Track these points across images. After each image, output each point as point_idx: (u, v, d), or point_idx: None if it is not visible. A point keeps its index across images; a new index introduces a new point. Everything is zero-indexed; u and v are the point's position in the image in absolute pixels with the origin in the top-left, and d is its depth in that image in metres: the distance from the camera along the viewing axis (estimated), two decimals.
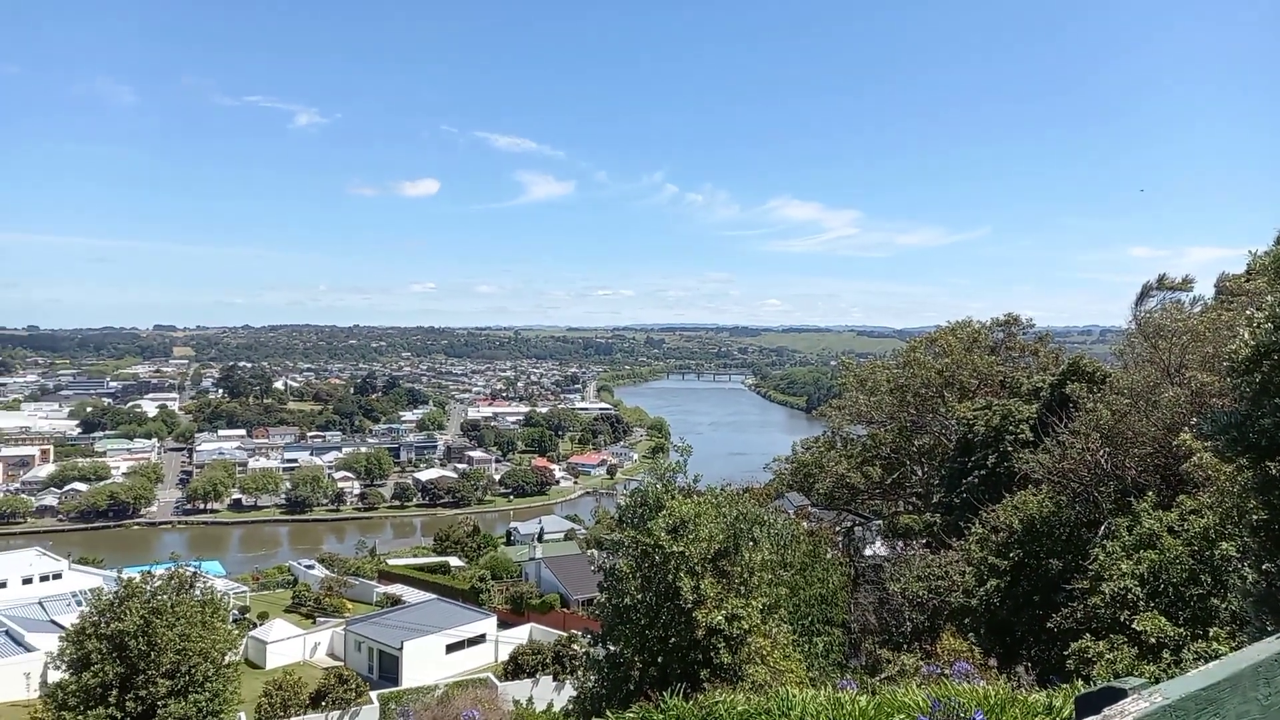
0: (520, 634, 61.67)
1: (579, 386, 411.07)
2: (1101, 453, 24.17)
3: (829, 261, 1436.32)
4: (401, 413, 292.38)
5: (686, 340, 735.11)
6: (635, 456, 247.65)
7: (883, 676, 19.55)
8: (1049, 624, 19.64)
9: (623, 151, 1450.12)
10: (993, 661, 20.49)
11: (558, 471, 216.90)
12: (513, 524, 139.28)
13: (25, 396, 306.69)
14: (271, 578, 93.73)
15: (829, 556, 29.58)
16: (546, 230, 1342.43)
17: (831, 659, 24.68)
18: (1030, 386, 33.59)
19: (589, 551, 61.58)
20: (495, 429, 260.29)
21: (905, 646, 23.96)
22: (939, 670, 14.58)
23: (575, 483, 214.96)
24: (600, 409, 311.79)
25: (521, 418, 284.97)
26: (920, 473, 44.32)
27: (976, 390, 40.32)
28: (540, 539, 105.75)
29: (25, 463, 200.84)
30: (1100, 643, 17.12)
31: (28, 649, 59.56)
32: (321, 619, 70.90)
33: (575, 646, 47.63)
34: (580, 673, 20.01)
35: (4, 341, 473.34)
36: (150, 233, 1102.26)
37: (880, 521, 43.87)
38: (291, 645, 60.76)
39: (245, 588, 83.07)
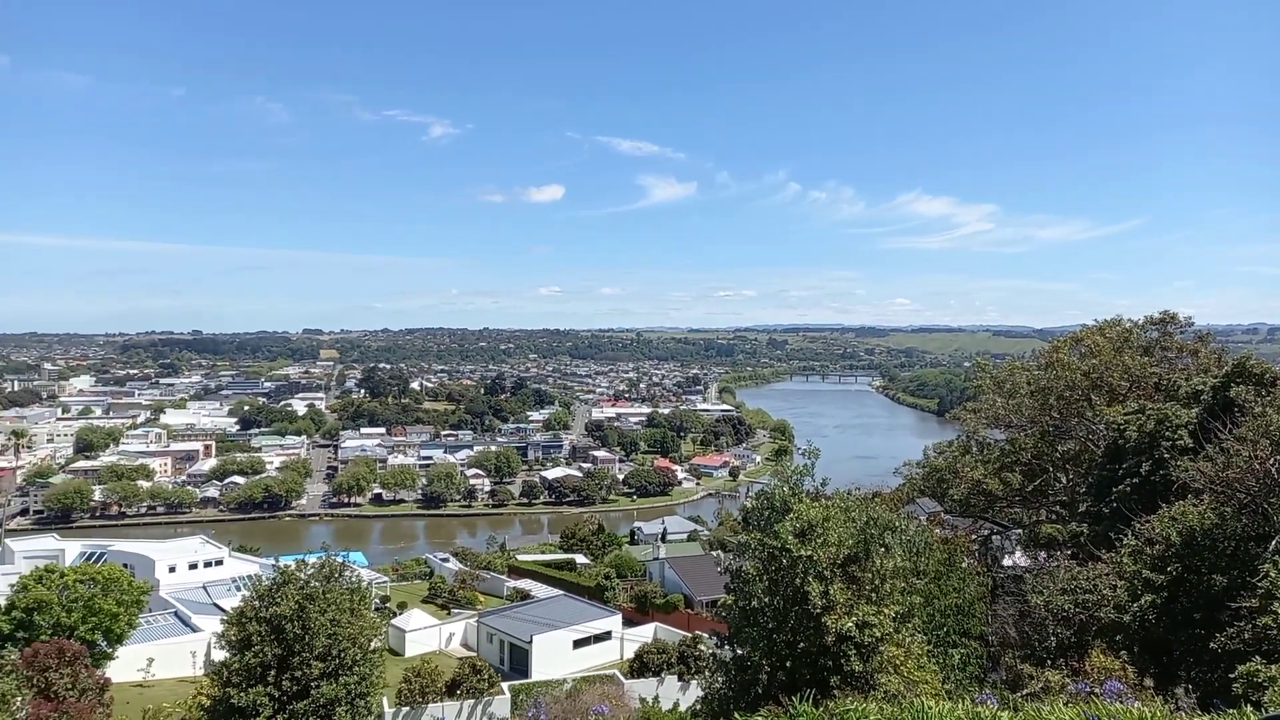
0: (645, 633, 62.21)
1: (700, 388, 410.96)
2: (1272, 461, 22.20)
3: (962, 258, 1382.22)
4: (529, 413, 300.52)
5: (810, 341, 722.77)
6: (758, 459, 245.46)
7: (1025, 693, 18.63)
8: (1212, 644, 18.19)
9: (744, 152, 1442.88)
10: (1148, 682, 19.17)
11: (680, 472, 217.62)
12: (636, 523, 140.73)
13: (190, 396, 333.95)
14: (409, 569, 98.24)
15: (965, 565, 28.41)
16: (668, 232, 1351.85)
17: (968, 672, 23.70)
18: (1189, 390, 31.19)
19: (714, 553, 61.47)
20: (618, 429, 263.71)
21: (1049, 663, 22.74)
22: (1088, 689, 13.78)
23: (697, 484, 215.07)
24: (722, 411, 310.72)
25: (644, 419, 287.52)
26: (1064, 480, 41.87)
27: (1127, 393, 37.77)
28: (663, 539, 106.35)
29: (191, 457, 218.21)
30: (1272, 667, 15.73)
31: (194, 629, 64.58)
32: (455, 610, 73.71)
33: (701, 647, 47.65)
34: (707, 674, 20.01)
35: (172, 345, 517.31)
36: (300, 242, 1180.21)
37: (1020, 531, 41.74)
38: (428, 635, 63.45)
39: (386, 578, 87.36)
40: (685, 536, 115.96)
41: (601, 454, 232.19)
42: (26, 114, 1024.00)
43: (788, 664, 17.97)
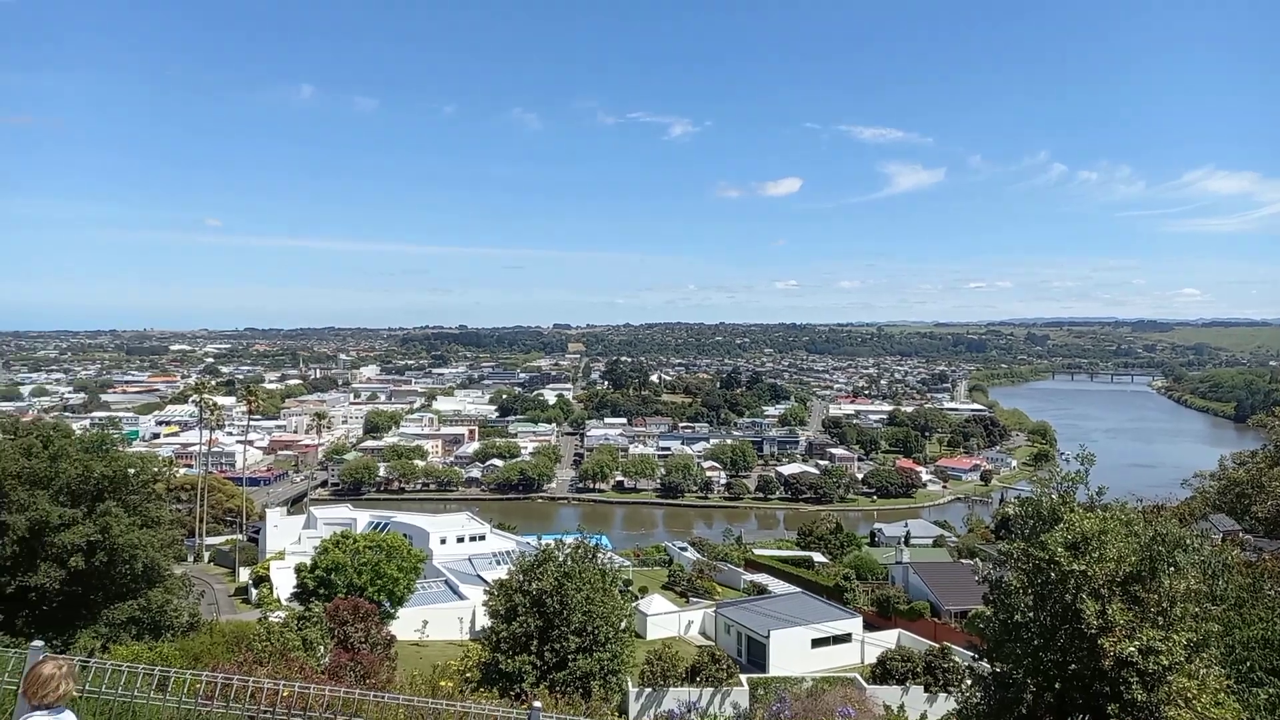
0: (887, 638, 60.02)
1: (948, 386, 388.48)
2: None
3: (1266, 242, 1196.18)
4: (764, 407, 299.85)
5: (1075, 336, 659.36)
6: (1013, 463, 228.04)
7: None
8: None
9: (999, 133, 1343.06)
10: None
11: (924, 474, 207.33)
12: (876, 524, 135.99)
13: (457, 384, 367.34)
14: (650, 555, 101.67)
15: (1273, 593, 24.64)
16: (912, 221, 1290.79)
17: (1278, 716, 20.56)
18: None
19: (975, 561, 57.90)
20: (857, 427, 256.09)
21: None
22: None
23: (944, 487, 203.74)
24: (972, 410, 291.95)
25: (884, 416, 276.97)
26: None
27: None
28: (907, 543, 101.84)
29: (458, 440, 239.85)
30: None
31: (461, 597, 70.95)
32: (694, 599, 75.31)
33: (955, 659, 45.18)
34: (964, 688, 18.91)
35: (442, 339, 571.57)
36: (551, 243, 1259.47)
37: None
38: (669, 620, 65.32)
39: (628, 562, 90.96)
40: (930, 542, 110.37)
41: (839, 451, 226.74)
42: (328, 136, 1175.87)
43: (1056, 685, 16.62)
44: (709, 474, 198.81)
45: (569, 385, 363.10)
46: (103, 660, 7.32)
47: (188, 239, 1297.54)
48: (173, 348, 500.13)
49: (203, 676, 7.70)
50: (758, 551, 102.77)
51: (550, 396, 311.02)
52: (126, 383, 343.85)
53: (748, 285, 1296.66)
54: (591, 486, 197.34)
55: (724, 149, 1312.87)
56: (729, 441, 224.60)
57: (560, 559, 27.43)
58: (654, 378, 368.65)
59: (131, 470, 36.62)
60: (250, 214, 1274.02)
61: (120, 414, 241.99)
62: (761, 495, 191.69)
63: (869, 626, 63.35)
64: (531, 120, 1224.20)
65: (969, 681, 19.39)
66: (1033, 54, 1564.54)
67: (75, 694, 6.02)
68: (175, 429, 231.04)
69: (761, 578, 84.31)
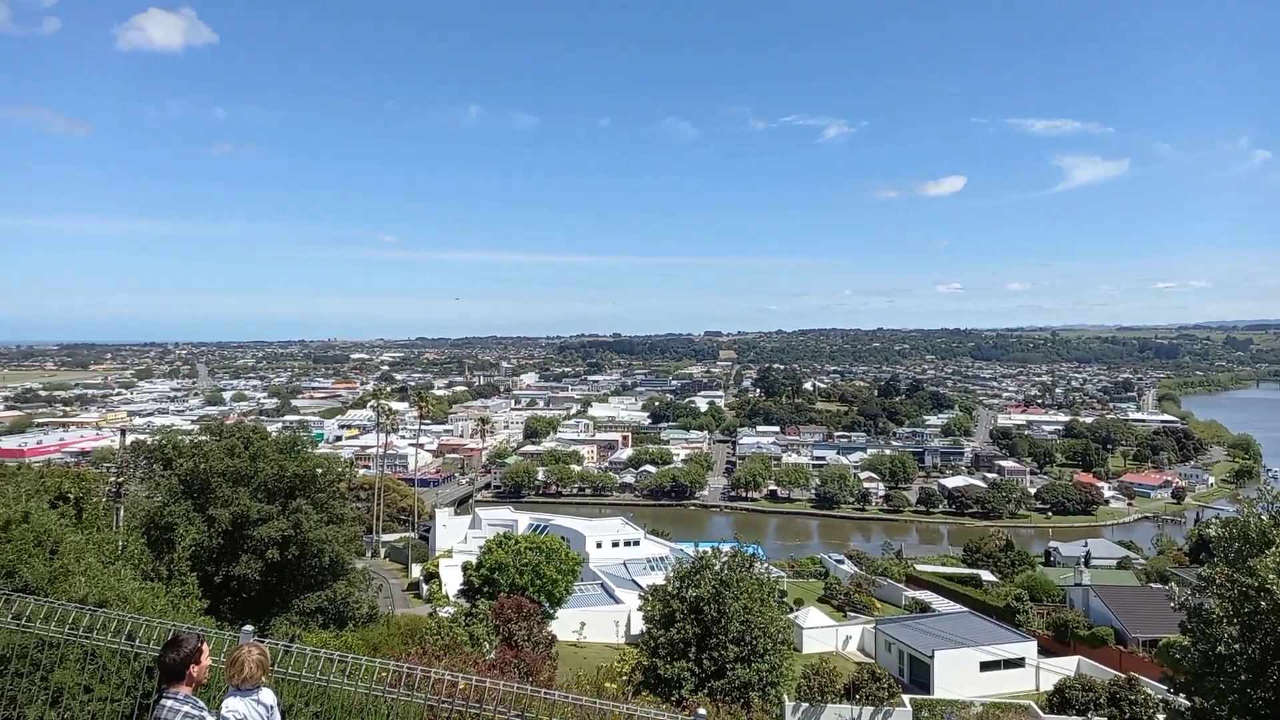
0: (1064, 665, 56.01)
1: (1133, 394, 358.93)
2: None
3: None
4: (925, 416, 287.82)
5: None
6: (1211, 480, 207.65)
7: None
8: None
9: (1191, 119, 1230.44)
10: None
11: (1106, 490, 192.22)
12: (1051, 543, 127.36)
13: (611, 391, 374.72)
14: (805, 567, 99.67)
15: None
16: (1090, 217, 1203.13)
17: None
18: None
19: (1169, 586, 53.29)
20: (1029, 438, 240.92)
21: None
22: None
23: (1129, 504, 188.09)
24: (1162, 421, 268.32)
25: (1060, 427, 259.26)
26: None
27: None
28: (1087, 563, 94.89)
29: (612, 446, 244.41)
30: None
31: (616, 601, 72.02)
32: (851, 614, 73.14)
33: (1148, 691, 41.56)
34: None
35: (597, 346, 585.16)
36: (702, 250, 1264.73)
37: None
38: (825, 634, 63.76)
39: (783, 573, 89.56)
40: (1114, 563, 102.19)
41: (1009, 464, 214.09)
42: (492, 153, 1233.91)
43: None
44: (866, 485, 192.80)
45: (720, 392, 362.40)
46: (303, 646, 7.90)
47: (365, 254, 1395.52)
48: (353, 356, 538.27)
49: (390, 665, 8.17)
50: (920, 567, 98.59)
51: (702, 404, 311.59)
52: (313, 389, 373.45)
53: (907, 289, 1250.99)
54: (744, 495, 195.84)
55: (881, 149, 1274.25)
56: (887, 452, 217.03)
57: (717, 567, 27.33)
58: (808, 385, 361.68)
59: (319, 470, 39.52)
60: (420, 230, 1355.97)
61: (308, 418, 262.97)
62: (923, 509, 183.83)
63: (1044, 652, 59.41)
64: (685, 129, 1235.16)
65: (1163, 717, 17.82)
66: (1230, 31, 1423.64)
67: (271, 676, 6.51)
68: (355, 432, 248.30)
69: (924, 595, 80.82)
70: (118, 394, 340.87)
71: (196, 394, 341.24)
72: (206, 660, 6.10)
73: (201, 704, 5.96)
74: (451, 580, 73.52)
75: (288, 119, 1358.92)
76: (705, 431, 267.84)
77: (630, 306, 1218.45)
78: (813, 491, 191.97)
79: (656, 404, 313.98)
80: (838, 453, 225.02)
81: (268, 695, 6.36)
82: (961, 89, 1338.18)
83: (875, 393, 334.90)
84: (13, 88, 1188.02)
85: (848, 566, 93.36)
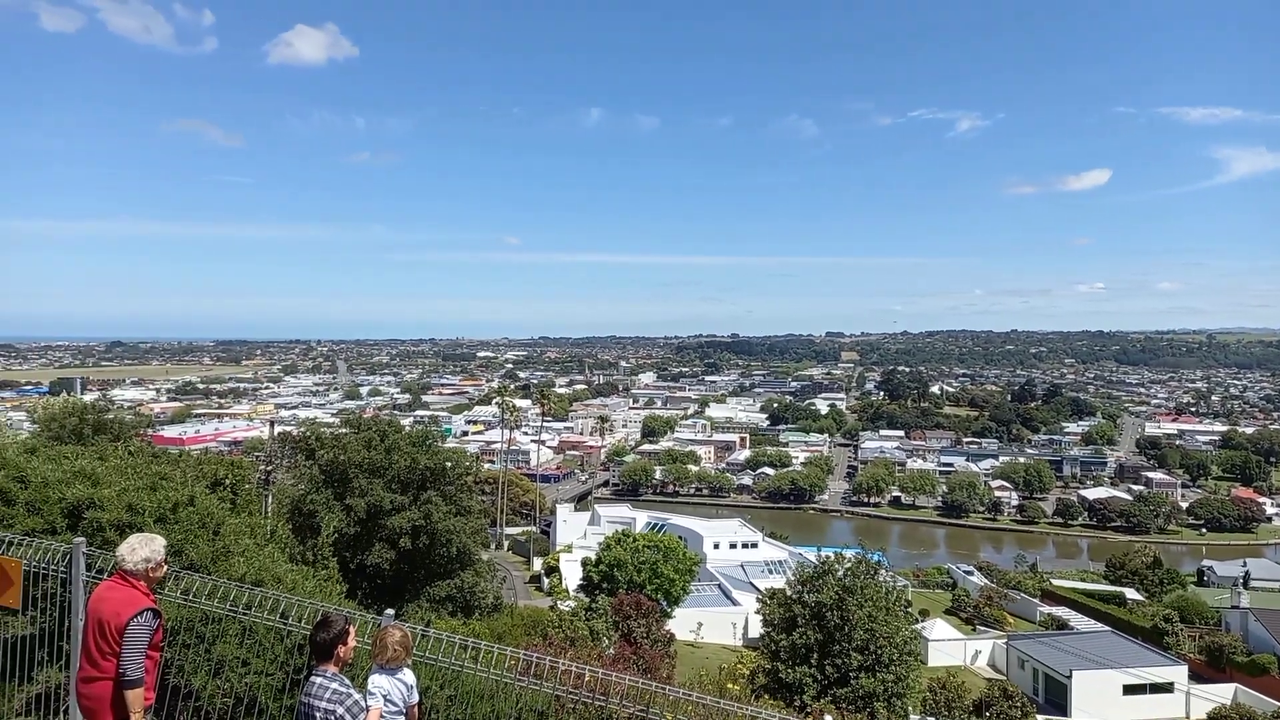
0: (1219, 692, 51.86)
1: None
2: None
3: None
4: (1063, 423, 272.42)
5: None
6: None
7: None
8: None
9: None
10: None
11: (1269, 507, 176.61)
12: (1205, 561, 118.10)
13: (729, 392, 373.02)
14: (931, 577, 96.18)
15: None
16: (1251, 212, 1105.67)
17: None
18: None
19: None
20: (1180, 449, 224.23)
21: None
22: None
23: None
24: None
25: (1216, 438, 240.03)
26: None
27: None
28: (1245, 585, 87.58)
29: (729, 447, 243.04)
30: None
31: (734, 603, 71.62)
32: (981, 628, 70.11)
33: None
34: None
35: (715, 347, 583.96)
36: (823, 249, 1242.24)
37: None
38: (953, 647, 61.39)
39: (906, 582, 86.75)
40: (1276, 586, 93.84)
41: (1157, 476, 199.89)
42: (612, 155, 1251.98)
43: None
44: (997, 494, 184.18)
45: (841, 395, 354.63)
46: (438, 631, 8.17)
47: (491, 257, 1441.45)
48: (479, 355, 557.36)
49: (520, 654, 8.35)
50: (1056, 582, 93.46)
51: (822, 406, 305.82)
52: (442, 385, 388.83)
53: (1043, 289, 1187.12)
54: (865, 500, 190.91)
55: (1017, 142, 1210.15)
56: (1021, 460, 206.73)
57: (840, 573, 26.67)
58: (935, 389, 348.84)
59: (449, 464, 41.01)
60: (543, 232, 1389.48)
61: (437, 413, 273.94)
62: (1060, 521, 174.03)
63: (1195, 677, 55.18)
64: (807, 127, 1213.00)
65: None
66: None
67: (411, 657, 6.76)
68: (480, 427, 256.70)
69: (1061, 611, 76.55)
70: (266, 388, 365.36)
71: (336, 389, 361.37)
72: (353, 642, 6.37)
73: (347, 681, 6.23)
74: (571, 575, 74.98)
75: (421, 127, 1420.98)
76: (825, 434, 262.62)
77: (749, 307, 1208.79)
78: (939, 499, 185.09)
79: (775, 405, 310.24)
80: (967, 459, 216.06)
81: (409, 675, 6.62)
82: (1108, 77, 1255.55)
83: (1008, 397, 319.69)
84: (178, 102, 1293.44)
85: (977, 578, 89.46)
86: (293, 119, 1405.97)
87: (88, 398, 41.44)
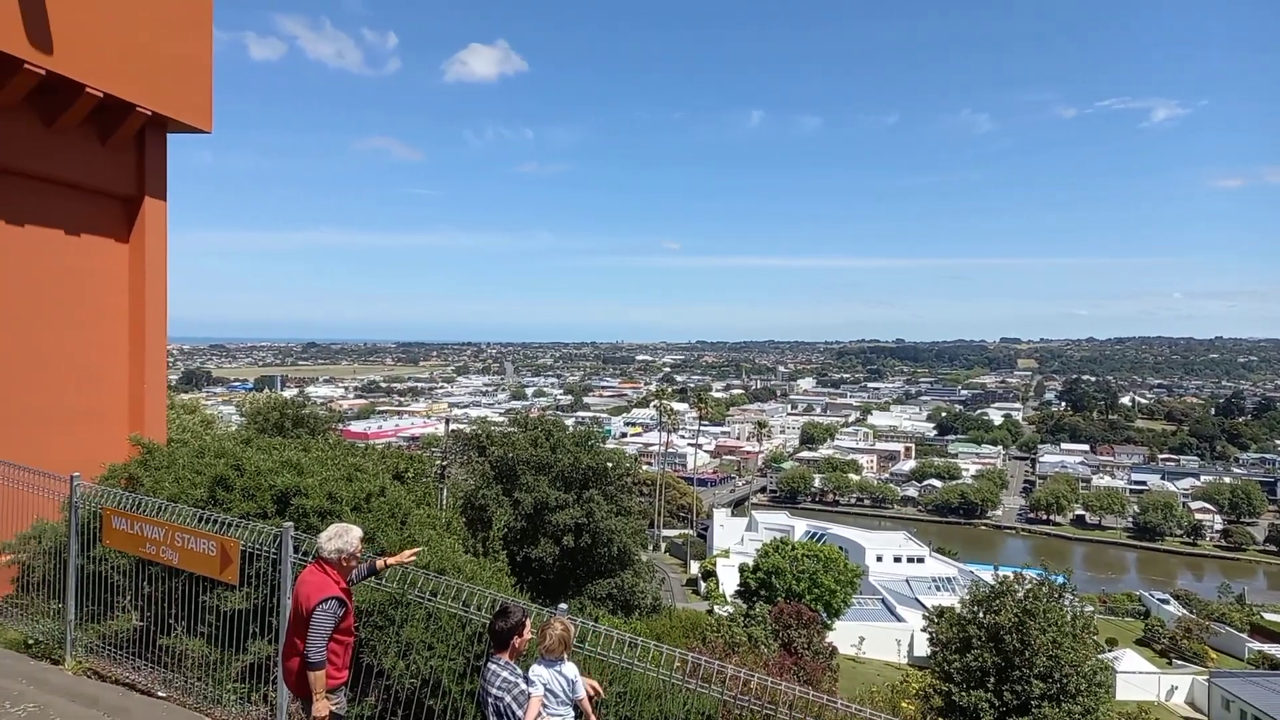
0: None
1: None
2: None
3: None
4: (1277, 441, 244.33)
5: None
6: None
7: None
8: None
9: None
10: None
11: None
12: None
13: (893, 400, 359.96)
14: (1120, 604, 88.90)
15: None
16: None
17: None
18: None
19: None
20: None
21: None
22: None
23: None
24: None
25: None
26: None
27: None
28: None
29: (893, 457, 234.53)
30: None
31: (898, 619, 68.99)
32: (1177, 662, 64.00)
33: None
34: None
35: (878, 352, 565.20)
36: (998, 249, 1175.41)
37: None
38: (1145, 681, 56.44)
39: (1092, 608, 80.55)
40: None
41: None
42: (773, 157, 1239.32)
43: None
44: (1198, 516, 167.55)
45: (1017, 405, 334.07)
46: (610, 629, 8.28)
47: (650, 261, 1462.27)
48: (637, 358, 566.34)
49: (688, 656, 8.32)
50: (1269, 616, 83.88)
51: (995, 416, 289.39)
52: (601, 387, 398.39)
53: (1254, 290, 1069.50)
54: (1044, 518, 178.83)
55: (1221, 131, 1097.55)
56: (1227, 480, 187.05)
57: (1019, 594, 25.00)
58: (1124, 400, 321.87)
59: (610, 464, 41.89)
60: (702, 236, 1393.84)
61: (598, 414, 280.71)
62: (1273, 548, 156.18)
63: None
64: (981, 121, 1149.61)
65: None
66: None
67: (571, 651, 6.88)
68: (638, 429, 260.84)
69: (1275, 649, 68.61)
70: (440, 387, 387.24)
71: (504, 389, 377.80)
72: (528, 634, 6.57)
73: (518, 670, 6.43)
74: (728, 580, 74.72)
75: (585, 136, 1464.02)
76: (999, 446, 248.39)
77: (915, 311, 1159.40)
78: (1129, 519, 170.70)
79: (943, 414, 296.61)
80: (1162, 478, 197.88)
81: (570, 669, 6.72)
82: None
83: (1212, 411, 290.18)
84: (367, 121, 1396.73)
85: (1173, 608, 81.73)
86: (467, 133, 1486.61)
87: (287, 394, 45.35)
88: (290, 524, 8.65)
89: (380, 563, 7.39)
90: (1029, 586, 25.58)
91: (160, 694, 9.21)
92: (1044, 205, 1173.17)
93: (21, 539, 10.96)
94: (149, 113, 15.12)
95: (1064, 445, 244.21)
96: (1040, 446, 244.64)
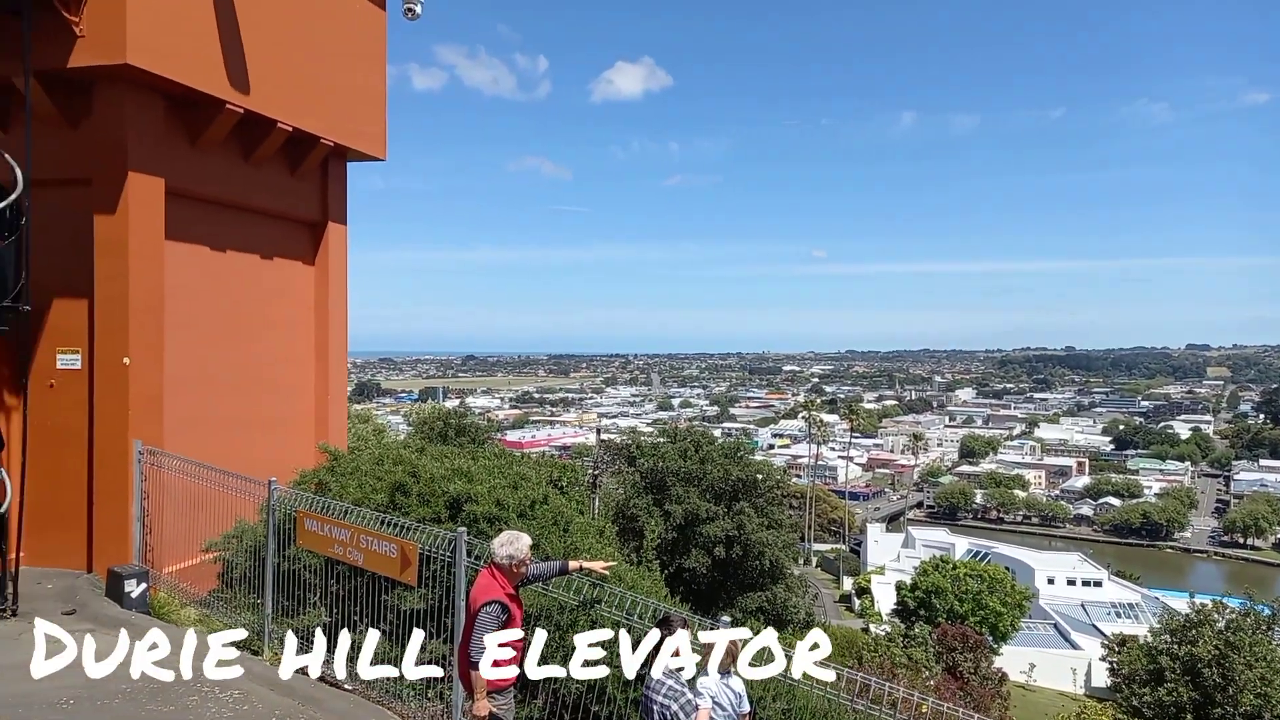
0: None
1: None
2: None
3: None
4: None
5: None
6: None
7: None
8: None
9: None
10: None
11: None
12: None
13: (1062, 411, 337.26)
14: None
15: None
16: None
17: None
18: None
19: None
20: None
21: None
22: None
23: None
24: None
25: None
26: None
27: None
28: None
29: (1063, 472, 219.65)
30: None
31: (1073, 646, 64.41)
32: None
33: None
34: None
35: (1045, 361, 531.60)
36: (1186, 249, 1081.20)
37: None
38: None
39: None
40: None
41: None
42: (925, 160, 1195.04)
43: None
44: None
45: (1207, 417, 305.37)
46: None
47: (797, 270, 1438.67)
48: (784, 368, 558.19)
49: (857, 676, 8.04)
50: None
51: (1182, 430, 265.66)
52: (748, 398, 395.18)
53: None
54: (1240, 541, 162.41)
55: None
56: None
57: (1219, 625, 22.69)
58: None
59: (760, 476, 41.44)
60: (850, 243, 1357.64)
61: (746, 425, 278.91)
62: None
63: None
64: (1156, 112, 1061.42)
65: None
66: None
67: (738, 665, 6.82)
68: (786, 441, 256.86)
69: None
70: (590, 398, 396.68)
71: (651, 399, 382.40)
72: (687, 644, 6.57)
73: (683, 679, 6.43)
74: (884, 597, 72.20)
75: (730, 147, 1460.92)
76: (1186, 462, 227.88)
77: (1087, 316, 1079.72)
78: None
79: (1120, 427, 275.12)
80: None
81: (737, 683, 6.69)
82: None
83: None
84: (521, 142, 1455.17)
85: None
86: (615, 149, 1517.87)
87: (449, 404, 47.67)
88: (463, 529, 9.04)
89: (574, 565, 7.78)
90: (1231, 616, 23.14)
91: (347, 687, 9.82)
92: (1235, 199, 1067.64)
93: (225, 538, 12.01)
94: (331, 144, 16.33)
95: (1263, 462, 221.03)
96: (1235, 463, 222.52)
